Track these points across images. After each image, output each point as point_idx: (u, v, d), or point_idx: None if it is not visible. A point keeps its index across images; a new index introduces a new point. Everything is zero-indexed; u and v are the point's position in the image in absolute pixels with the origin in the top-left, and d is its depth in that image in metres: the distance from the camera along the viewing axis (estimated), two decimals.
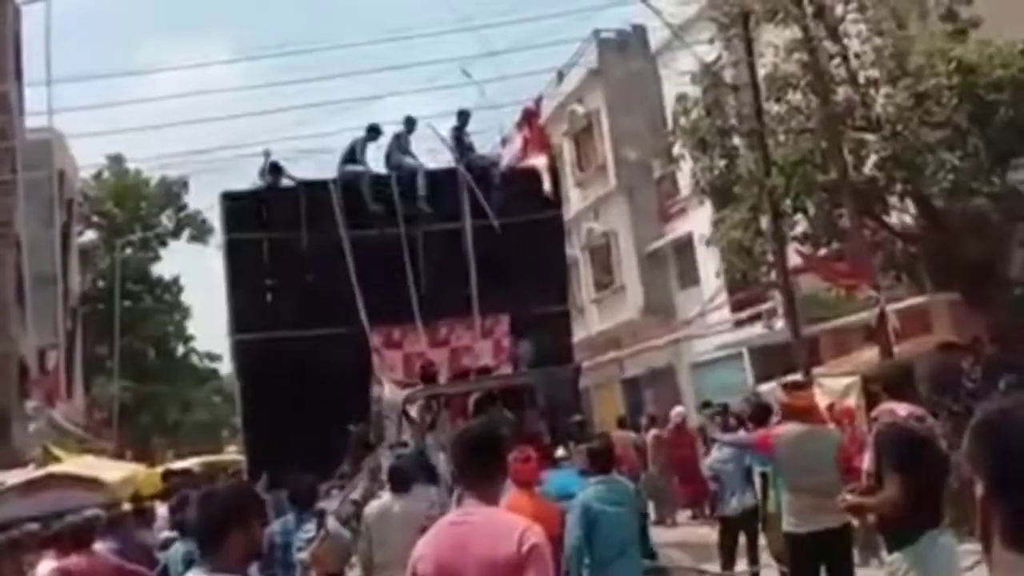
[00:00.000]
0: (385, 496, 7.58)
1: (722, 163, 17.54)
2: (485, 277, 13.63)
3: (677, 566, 9.86)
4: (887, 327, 13.24)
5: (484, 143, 42.43)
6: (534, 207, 14.26)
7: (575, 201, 32.10)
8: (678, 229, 26.60)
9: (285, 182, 13.98)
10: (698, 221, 22.39)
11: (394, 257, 13.29)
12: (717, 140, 17.43)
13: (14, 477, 13.00)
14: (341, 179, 13.88)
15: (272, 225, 13.58)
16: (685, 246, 25.99)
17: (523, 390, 11.64)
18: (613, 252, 29.64)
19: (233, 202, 13.97)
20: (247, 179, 14.97)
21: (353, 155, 14.13)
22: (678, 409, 17.05)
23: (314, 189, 13.75)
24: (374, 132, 14.51)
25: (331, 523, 7.09)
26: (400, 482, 7.61)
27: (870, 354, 14.05)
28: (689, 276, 26.51)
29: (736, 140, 17.24)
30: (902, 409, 5.37)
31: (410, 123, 14.68)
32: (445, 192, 13.90)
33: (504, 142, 38.76)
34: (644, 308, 27.57)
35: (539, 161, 14.88)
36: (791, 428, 6.81)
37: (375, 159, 14.54)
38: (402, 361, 13.07)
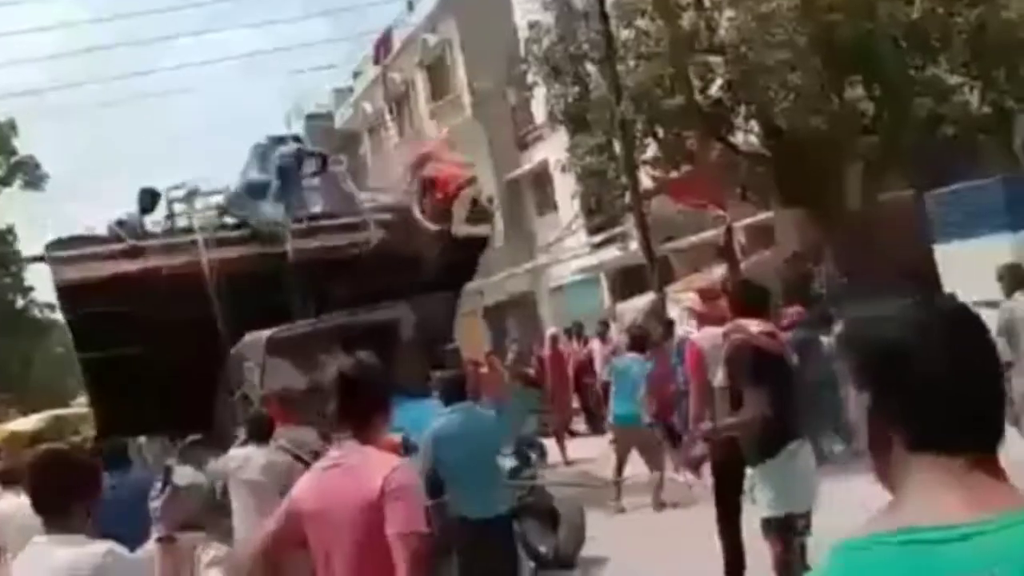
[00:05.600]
0: (248, 447, 7.39)
1: (575, 90, 17.71)
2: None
3: (561, 482, 10.13)
4: (734, 244, 13.77)
5: (338, 75, 41.21)
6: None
7: (430, 133, 31.87)
8: (534, 157, 26.78)
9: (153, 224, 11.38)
10: (554, 148, 22.60)
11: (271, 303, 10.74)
12: (569, 67, 17.57)
13: None
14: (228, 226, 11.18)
15: (121, 303, 10.50)
16: (542, 173, 26.23)
17: (391, 324, 11.42)
18: None
19: (67, 284, 10.95)
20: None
21: (261, 189, 11.34)
22: (552, 331, 17.39)
23: (181, 258, 10.80)
24: (278, 142, 11.93)
25: (178, 477, 6.87)
26: (260, 431, 7.37)
27: (720, 270, 14.63)
28: (546, 203, 26.83)
29: (588, 66, 17.40)
30: (754, 326, 5.34)
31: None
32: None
33: (356, 76, 38.12)
34: (504, 236, 27.78)
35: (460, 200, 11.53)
36: (708, 333, 6.65)
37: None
38: None
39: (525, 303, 27.57)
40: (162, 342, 10.22)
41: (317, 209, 11.80)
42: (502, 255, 27.33)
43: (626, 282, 22.01)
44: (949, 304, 1.30)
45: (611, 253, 22.66)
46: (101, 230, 11.66)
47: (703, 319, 7.14)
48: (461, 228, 11.23)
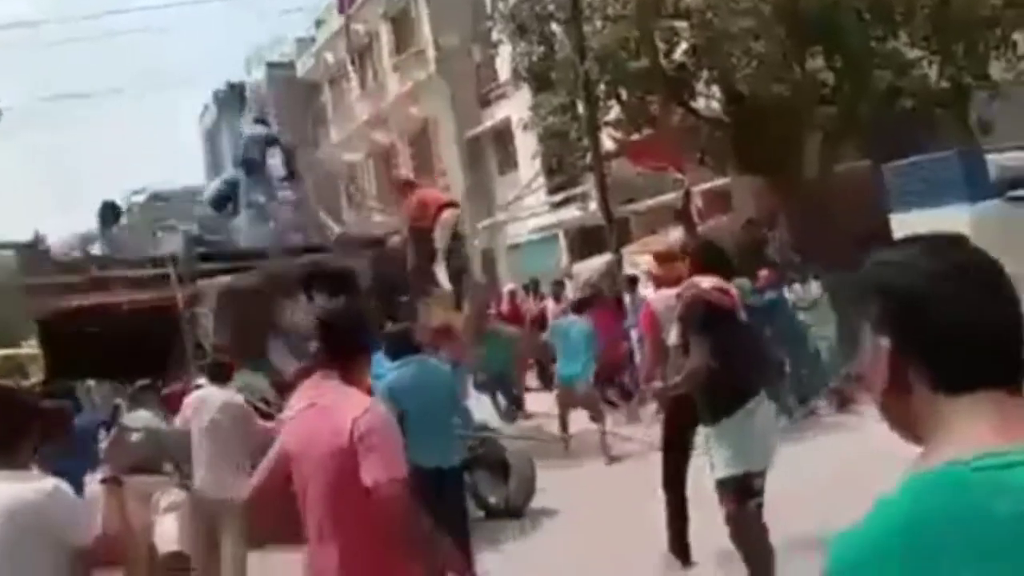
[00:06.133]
0: (205, 389, 7.40)
1: (540, 49, 17.64)
2: None
3: (512, 435, 10.29)
4: (691, 208, 13.90)
5: (301, 21, 40.44)
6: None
7: (392, 86, 31.61)
8: (497, 115, 26.70)
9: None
10: (516, 106, 22.55)
11: None
12: (535, 25, 17.48)
13: None
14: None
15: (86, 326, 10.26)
16: (504, 131, 26.17)
17: (347, 273, 11.42)
18: (432, 138, 29.51)
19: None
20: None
21: (230, 194, 11.27)
22: (510, 286, 17.62)
23: (149, 293, 10.42)
24: (236, 91, 11.94)
25: (131, 420, 6.88)
26: (220, 374, 7.38)
27: (676, 233, 14.79)
28: (507, 161, 26.81)
29: (554, 26, 17.34)
30: (706, 281, 5.37)
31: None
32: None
33: (318, 25, 37.58)
34: (464, 194, 27.77)
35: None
36: (663, 295, 6.82)
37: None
38: None
39: (483, 260, 27.65)
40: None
41: (285, 219, 11.82)
42: (461, 212, 27.38)
43: (584, 242, 22.14)
44: (968, 249, 1.31)
45: (570, 213, 22.74)
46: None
47: (659, 281, 7.24)
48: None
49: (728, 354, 5.11)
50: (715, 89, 15.90)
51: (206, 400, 7.09)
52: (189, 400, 7.30)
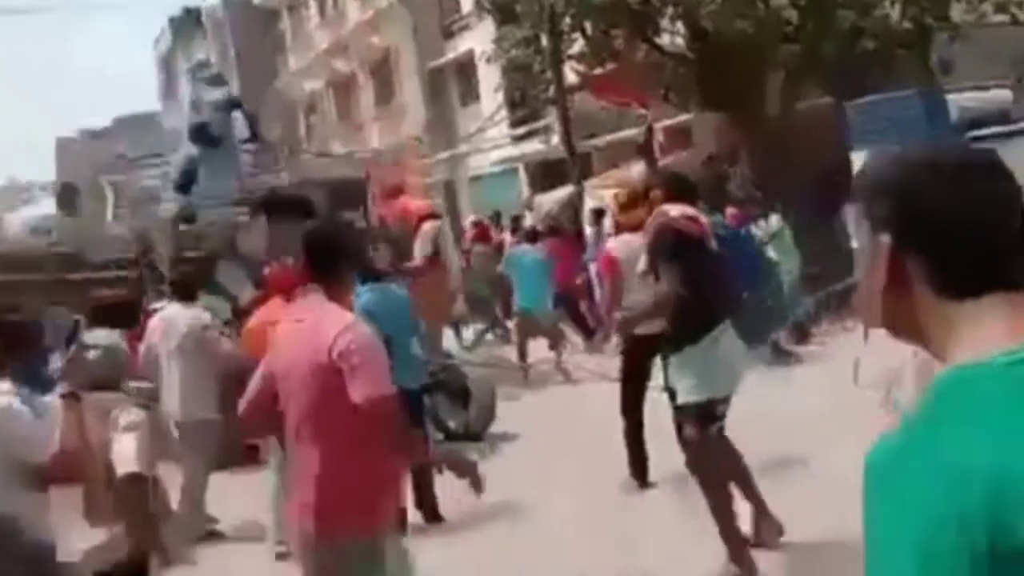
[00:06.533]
0: (170, 308, 7.34)
1: None
2: None
3: (473, 362, 10.43)
4: (653, 143, 13.92)
5: None
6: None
7: (353, 14, 31.07)
8: (460, 47, 26.39)
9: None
10: (480, 38, 22.30)
11: None
12: None
13: None
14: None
15: None
16: (467, 64, 25.90)
17: (303, 200, 11.33)
18: (394, 68, 29.13)
19: None
20: None
21: (194, 169, 10.83)
22: (473, 217, 17.70)
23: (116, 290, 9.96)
24: (192, 17, 11.39)
25: (91, 337, 6.84)
26: (184, 291, 7.33)
27: (638, 167, 14.83)
28: (470, 93, 26.57)
29: None
30: (675, 210, 5.31)
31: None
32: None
33: None
34: (426, 125, 27.53)
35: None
36: (624, 240, 6.87)
37: None
38: None
39: (444, 192, 27.54)
40: None
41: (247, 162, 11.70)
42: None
43: (545, 175, 22.12)
44: (977, 150, 1.27)
45: (532, 146, 22.66)
46: None
47: (620, 227, 7.30)
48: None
49: (697, 282, 5.08)
50: (679, 25, 15.81)
51: (173, 322, 7.05)
52: (154, 322, 7.25)
